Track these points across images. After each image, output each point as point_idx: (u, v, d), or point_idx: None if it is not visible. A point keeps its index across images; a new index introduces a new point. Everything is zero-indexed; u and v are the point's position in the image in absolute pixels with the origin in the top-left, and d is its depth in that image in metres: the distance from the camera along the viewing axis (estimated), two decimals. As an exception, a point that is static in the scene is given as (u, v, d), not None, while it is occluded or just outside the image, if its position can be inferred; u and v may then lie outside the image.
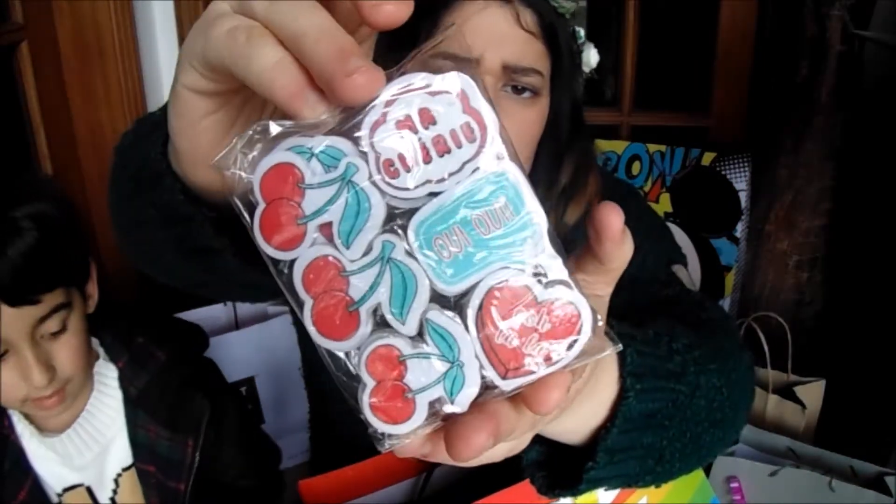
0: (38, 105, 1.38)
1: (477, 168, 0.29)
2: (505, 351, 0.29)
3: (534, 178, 0.72)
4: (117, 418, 0.86)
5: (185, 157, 0.37)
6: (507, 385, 0.30)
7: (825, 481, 1.07)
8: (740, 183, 1.52)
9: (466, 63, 0.64)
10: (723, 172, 1.53)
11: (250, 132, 0.29)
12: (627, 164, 1.59)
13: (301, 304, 0.30)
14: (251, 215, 0.29)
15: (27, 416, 0.83)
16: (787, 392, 1.28)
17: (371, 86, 0.28)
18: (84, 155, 1.51)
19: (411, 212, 0.29)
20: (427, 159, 0.29)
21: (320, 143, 0.29)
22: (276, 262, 0.29)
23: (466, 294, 0.29)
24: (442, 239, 0.29)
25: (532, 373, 0.30)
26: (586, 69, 0.76)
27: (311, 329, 0.30)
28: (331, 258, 0.29)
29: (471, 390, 0.30)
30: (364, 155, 0.29)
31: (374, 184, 0.29)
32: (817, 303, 1.50)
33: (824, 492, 1.07)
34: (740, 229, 1.53)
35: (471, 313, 0.29)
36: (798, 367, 1.34)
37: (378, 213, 0.29)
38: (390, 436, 0.30)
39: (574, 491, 0.43)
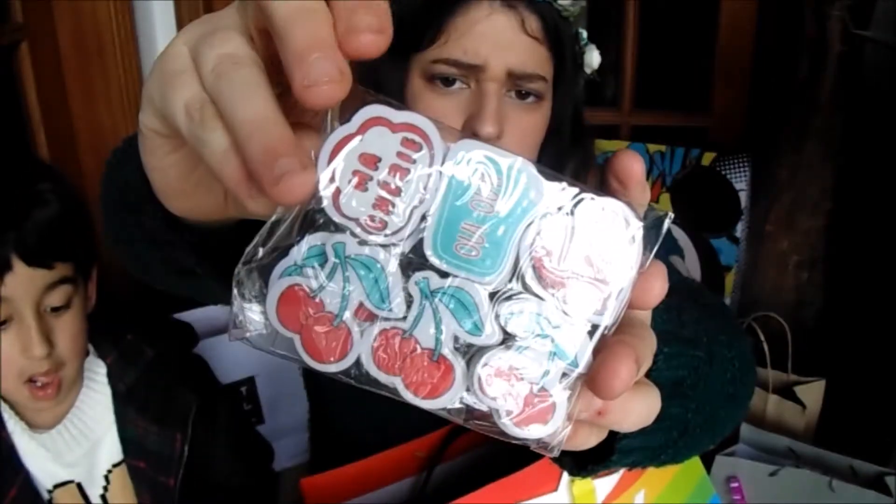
0: (38, 105, 1.38)
1: (440, 172, 0.29)
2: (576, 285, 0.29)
3: None
4: (107, 414, 0.87)
5: (159, 189, 0.36)
6: (605, 319, 0.29)
7: (825, 481, 1.07)
8: (740, 183, 1.52)
9: (471, 69, 0.63)
10: (723, 172, 1.53)
11: (234, 289, 0.29)
12: (627, 164, 1.59)
13: (394, 387, 0.29)
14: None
15: (18, 412, 0.83)
16: (787, 392, 1.28)
17: (299, 190, 0.26)
18: (84, 155, 1.51)
19: (419, 243, 0.29)
20: (397, 192, 0.28)
21: (298, 252, 0.29)
22: (346, 372, 0.29)
23: (516, 265, 0.29)
24: (460, 243, 0.29)
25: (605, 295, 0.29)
26: (588, 70, 0.75)
27: (424, 402, 0.29)
28: (389, 330, 0.29)
29: (582, 344, 0.29)
30: (342, 226, 0.29)
31: (370, 245, 0.29)
32: (817, 303, 1.50)
33: (824, 492, 1.07)
34: (740, 229, 1.53)
35: (531, 276, 0.29)
36: (798, 367, 1.34)
37: (392, 265, 0.29)
38: (550, 436, 0.30)
39: (607, 463, 0.43)
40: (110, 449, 0.87)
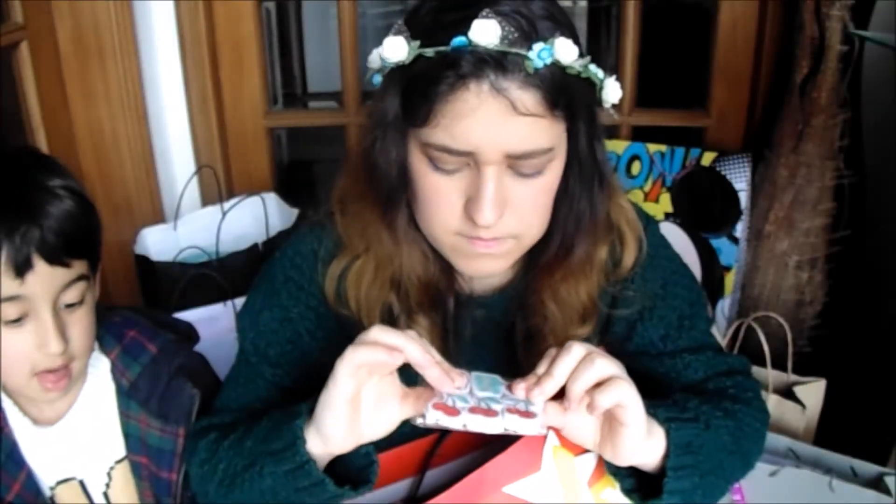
0: (38, 105, 1.38)
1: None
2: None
3: (551, 232, 0.71)
4: (109, 410, 0.87)
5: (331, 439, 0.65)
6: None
7: (825, 481, 1.07)
8: (740, 183, 1.52)
9: (464, 154, 0.63)
10: (723, 172, 1.53)
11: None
12: (627, 164, 1.59)
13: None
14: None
15: (21, 408, 0.83)
16: (787, 392, 1.28)
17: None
18: (84, 155, 1.51)
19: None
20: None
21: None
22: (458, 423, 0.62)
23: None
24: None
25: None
26: (608, 105, 0.72)
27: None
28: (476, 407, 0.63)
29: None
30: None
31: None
32: (817, 303, 1.50)
33: (824, 492, 1.07)
34: (740, 229, 1.53)
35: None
36: (798, 367, 1.34)
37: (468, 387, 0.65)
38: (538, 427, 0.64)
39: (658, 501, 0.68)
40: (113, 445, 0.87)
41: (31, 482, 0.84)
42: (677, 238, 1.56)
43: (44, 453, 0.85)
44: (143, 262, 1.42)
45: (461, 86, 0.61)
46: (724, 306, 1.55)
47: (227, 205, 1.51)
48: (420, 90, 0.63)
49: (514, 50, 0.61)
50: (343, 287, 0.76)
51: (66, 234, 0.75)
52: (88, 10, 1.42)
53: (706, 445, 0.70)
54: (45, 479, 0.85)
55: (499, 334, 0.79)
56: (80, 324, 0.80)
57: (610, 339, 0.81)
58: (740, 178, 1.52)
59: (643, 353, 0.81)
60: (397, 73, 0.65)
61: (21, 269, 0.73)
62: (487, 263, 0.70)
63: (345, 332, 0.72)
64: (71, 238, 0.76)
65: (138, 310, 0.96)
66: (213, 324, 1.35)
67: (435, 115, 0.62)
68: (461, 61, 0.61)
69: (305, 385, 0.74)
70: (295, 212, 1.53)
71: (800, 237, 1.47)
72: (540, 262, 0.74)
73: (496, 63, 0.61)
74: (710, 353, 0.84)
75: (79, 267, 0.78)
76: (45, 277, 0.75)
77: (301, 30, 3.42)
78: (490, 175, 0.64)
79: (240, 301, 1.36)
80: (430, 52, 0.62)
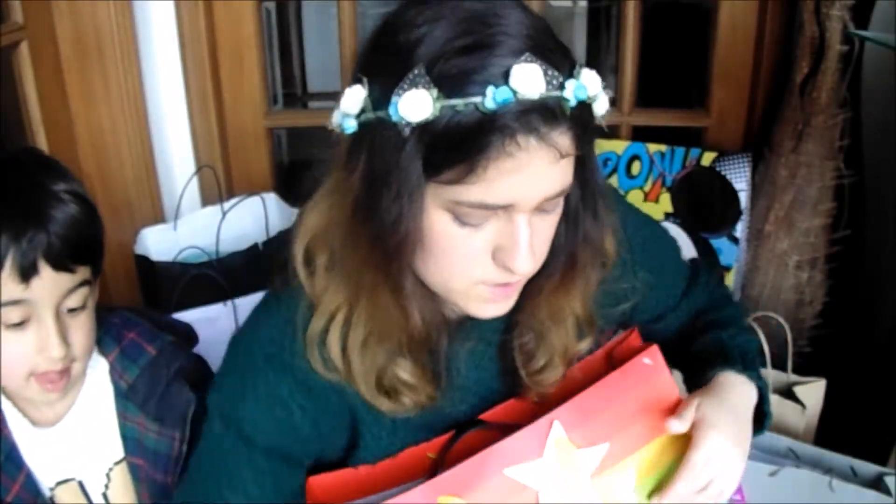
0: (38, 105, 1.38)
1: None
2: None
3: (554, 255, 0.67)
4: (108, 412, 0.87)
5: None
6: None
7: (825, 481, 1.07)
8: (740, 183, 1.52)
9: (500, 209, 0.58)
10: (723, 172, 1.53)
11: None
12: (627, 164, 1.59)
13: None
14: None
15: (20, 410, 0.83)
16: (787, 392, 1.28)
17: None
18: (84, 155, 1.51)
19: None
20: None
21: None
22: None
23: None
24: None
25: None
26: (598, 118, 0.63)
27: None
28: None
29: None
30: None
31: None
32: (817, 303, 1.50)
33: (824, 492, 1.07)
34: (740, 229, 1.53)
35: None
36: (798, 367, 1.34)
37: None
38: None
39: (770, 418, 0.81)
40: (112, 446, 0.87)
41: (30, 483, 0.84)
42: (677, 238, 1.56)
43: (43, 454, 0.85)
44: (143, 262, 1.42)
45: (508, 142, 0.55)
46: (724, 306, 1.55)
47: (227, 205, 1.51)
48: (454, 148, 0.56)
49: (554, 94, 0.56)
50: (325, 351, 0.69)
51: (72, 240, 0.75)
52: (88, 11, 1.42)
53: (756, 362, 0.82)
54: (45, 480, 0.85)
55: (492, 354, 0.75)
56: (82, 328, 0.80)
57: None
58: (740, 178, 1.52)
59: (658, 317, 0.88)
60: (416, 129, 0.57)
61: (27, 273, 0.72)
62: (503, 305, 0.67)
63: (335, 398, 0.70)
64: (76, 244, 0.76)
65: (138, 310, 0.96)
66: (213, 324, 1.35)
67: (474, 174, 0.56)
68: (505, 115, 0.55)
69: (299, 460, 0.72)
70: (295, 212, 1.53)
71: (800, 237, 1.47)
72: (538, 283, 0.69)
73: (541, 112, 0.56)
74: (690, 292, 0.90)
75: (83, 272, 0.78)
76: (49, 283, 0.74)
77: (301, 30, 3.42)
78: (525, 223, 0.60)
79: (240, 301, 1.37)
80: (461, 104, 0.55)
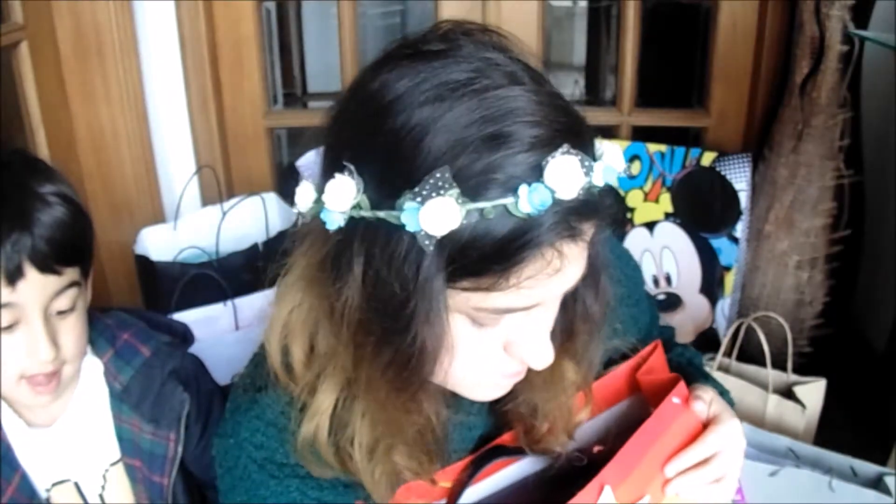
0: (38, 105, 1.38)
1: None
2: None
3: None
4: (103, 413, 0.87)
5: None
6: None
7: (825, 481, 1.07)
8: (740, 183, 1.52)
9: (522, 310, 0.53)
10: (723, 172, 1.53)
11: None
12: (627, 164, 1.59)
13: None
14: None
15: (15, 411, 0.83)
16: (787, 392, 1.28)
17: None
18: (84, 155, 1.51)
19: None
20: None
21: None
22: None
23: None
24: None
25: None
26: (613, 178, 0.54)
27: None
28: None
29: None
30: None
31: None
32: (817, 303, 1.50)
33: (824, 492, 1.07)
34: (740, 229, 1.53)
35: None
36: (798, 367, 1.34)
37: None
38: None
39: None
40: (108, 447, 0.87)
41: (25, 484, 0.83)
42: (677, 238, 1.56)
43: (38, 455, 0.84)
44: (143, 262, 1.42)
45: (546, 248, 0.49)
46: (724, 306, 1.55)
47: (227, 205, 1.51)
48: (484, 259, 0.48)
49: (587, 184, 0.49)
50: (318, 453, 0.62)
51: (58, 242, 0.75)
52: (88, 10, 1.42)
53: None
54: (41, 481, 0.85)
55: (484, 415, 0.70)
56: (72, 330, 0.80)
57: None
58: (740, 178, 1.52)
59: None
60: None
61: (12, 277, 0.72)
62: (509, 387, 0.62)
63: (343, 478, 0.63)
64: (62, 246, 0.75)
65: (133, 311, 0.96)
66: (213, 324, 1.35)
67: (505, 283, 0.49)
68: (543, 220, 0.48)
69: None
70: (295, 212, 1.53)
71: (800, 237, 1.47)
72: None
73: (580, 211, 0.49)
74: (656, 325, 0.88)
75: (70, 274, 0.78)
76: (36, 285, 0.74)
77: (301, 30, 3.41)
78: (545, 315, 0.55)
79: (240, 301, 1.37)
80: (489, 207, 0.47)
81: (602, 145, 0.53)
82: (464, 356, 0.54)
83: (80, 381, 0.85)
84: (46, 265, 0.74)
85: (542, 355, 0.55)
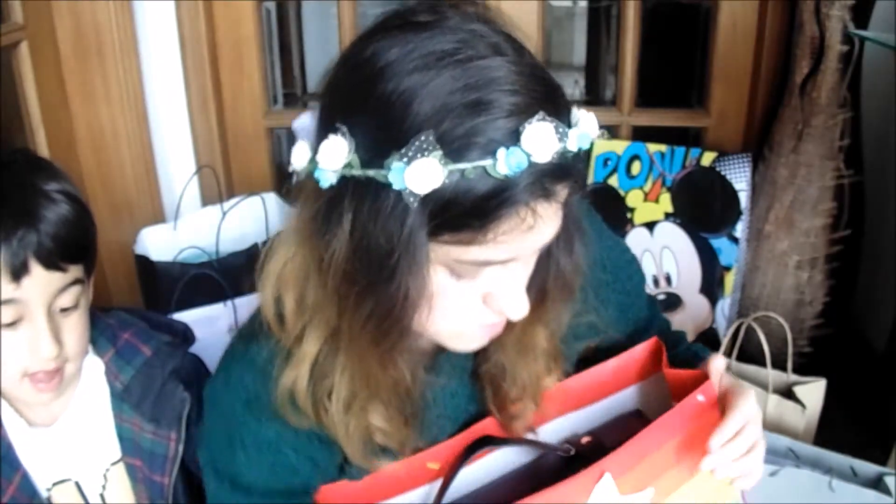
0: (38, 105, 1.38)
1: None
2: None
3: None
4: (104, 412, 0.87)
5: None
6: None
7: (825, 481, 1.07)
8: (740, 183, 1.52)
9: (499, 263, 0.57)
10: (723, 172, 1.53)
11: None
12: (627, 164, 1.59)
13: None
14: None
15: (16, 410, 0.83)
16: (787, 392, 1.28)
17: None
18: (84, 155, 1.51)
19: None
20: None
21: None
22: None
23: None
24: None
25: None
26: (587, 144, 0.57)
27: None
28: None
29: None
30: None
31: None
32: (817, 303, 1.50)
33: (824, 492, 1.07)
34: (740, 229, 1.53)
35: None
36: (798, 367, 1.34)
37: None
38: None
39: None
40: (108, 447, 0.87)
41: (26, 483, 0.83)
42: (677, 238, 1.56)
43: (39, 455, 0.84)
44: (143, 262, 1.42)
45: (523, 210, 0.53)
46: (724, 306, 1.55)
47: (227, 205, 1.51)
48: (464, 215, 0.53)
49: (561, 149, 0.53)
50: (296, 403, 0.65)
51: (63, 239, 0.75)
52: (88, 10, 1.42)
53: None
54: (41, 480, 0.85)
55: (465, 382, 0.73)
56: (75, 328, 0.80)
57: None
58: (740, 178, 1.52)
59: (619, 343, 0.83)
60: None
61: (17, 273, 0.73)
62: (487, 339, 0.65)
63: (321, 434, 0.67)
64: (67, 243, 0.76)
65: (134, 311, 0.96)
66: (213, 324, 1.35)
67: (483, 237, 0.53)
68: (518, 181, 0.52)
69: (304, 490, 0.69)
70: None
71: (800, 237, 1.47)
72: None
73: (553, 173, 0.53)
74: (655, 318, 0.90)
75: (74, 271, 0.78)
76: (41, 282, 0.75)
77: (301, 30, 3.41)
78: (521, 269, 0.59)
79: (240, 301, 1.37)
80: (469, 168, 0.51)
81: (578, 112, 0.56)
82: (444, 306, 0.58)
83: (81, 380, 0.86)
84: (51, 262, 0.75)
85: (518, 306, 0.59)
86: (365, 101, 0.53)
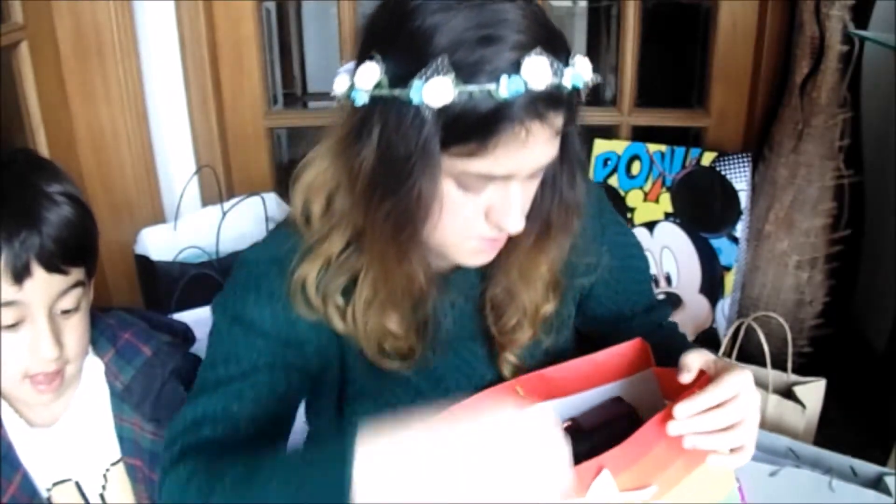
0: (38, 105, 1.38)
1: None
2: None
3: (532, 218, 0.73)
4: (104, 412, 0.87)
5: None
6: None
7: (825, 481, 1.07)
8: (740, 183, 1.52)
9: (502, 179, 0.66)
10: (723, 172, 1.53)
11: None
12: (627, 164, 1.59)
13: None
14: None
15: (17, 410, 0.83)
16: (787, 392, 1.28)
17: None
18: (84, 155, 1.51)
19: None
20: None
21: None
22: None
23: None
24: None
25: None
26: (583, 87, 0.68)
27: None
28: None
29: None
30: None
31: None
32: (817, 303, 1.50)
33: (824, 492, 1.07)
34: (740, 229, 1.53)
35: None
36: (798, 367, 1.34)
37: None
38: None
39: None
40: (108, 447, 0.87)
41: (26, 483, 0.83)
42: (677, 238, 1.56)
43: (40, 455, 0.84)
44: (143, 262, 1.42)
45: (518, 128, 0.62)
46: (724, 306, 1.55)
47: (227, 205, 1.51)
48: (469, 129, 0.62)
49: (556, 82, 0.62)
50: (307, 294, 0.73)
51: (65, 242, 0.75)
52: (88, 10, 1.42)
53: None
54: (41, 480, 0.85)
55: (470, 310, 0.81)
56: (75, 329, 0.80)
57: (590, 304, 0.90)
58: (740, 178, 1.52)
59: (616, 318, 0.92)
60: (435, 110, 0.63)
61: (19, 275, 0.72)
62: (489, 255, 0.74)
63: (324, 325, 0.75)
64: (69, 245, 0.76)
65: (134, 311, 0.96)
66: (209, 324, 1.35)
67: (485, 151, 0.63)
68: (516, 103, 0.61)
69: (303, 365, 0.75)
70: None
71: (800, 237, 1.47)
72: (515, 242, 0.75)
73: (546, 99, 0.62)
74: (657, 307, 0.96)
75: (76, 274, 0.78)
76: (42, 284, 0.74)
77: (301, 30, 3.41)
78: (519, 189, 0.67)
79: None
80: (476, 90, 0.61)
81: (576, 58, 0.66)
82: (451, 215, 0.67)
83: (81, 380, 0.86)
84: (53, 264, 0.74)
85: (516, 221, 0.68)
86: (396, 34, 0.64)
